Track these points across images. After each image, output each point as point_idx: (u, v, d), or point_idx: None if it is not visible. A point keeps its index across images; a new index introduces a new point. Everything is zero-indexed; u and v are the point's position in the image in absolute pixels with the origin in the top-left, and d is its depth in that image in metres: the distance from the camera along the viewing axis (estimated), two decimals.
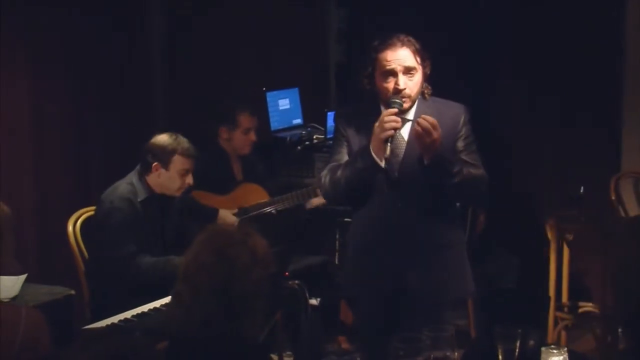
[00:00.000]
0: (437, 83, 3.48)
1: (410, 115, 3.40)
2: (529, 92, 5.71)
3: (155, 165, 4.10)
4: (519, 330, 2.64)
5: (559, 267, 4.84)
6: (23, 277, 3.77)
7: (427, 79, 3.44)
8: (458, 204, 3.83)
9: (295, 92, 5.69)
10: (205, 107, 5.33)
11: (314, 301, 4.52)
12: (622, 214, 5.24)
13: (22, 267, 3.85)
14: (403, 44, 3.35)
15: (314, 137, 5.34)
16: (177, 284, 2.39)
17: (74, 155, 5.10)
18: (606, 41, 5.41)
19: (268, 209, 4.68)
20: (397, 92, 3.34)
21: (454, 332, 2.66)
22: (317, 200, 4.78)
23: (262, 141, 5.10)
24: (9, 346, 2.48)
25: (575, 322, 4.97)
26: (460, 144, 3.43)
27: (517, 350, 2.63)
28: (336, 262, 4.92)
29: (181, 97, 5.67)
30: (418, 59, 3.37)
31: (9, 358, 2.48)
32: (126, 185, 4.12)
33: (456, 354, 2.63)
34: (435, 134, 3.22)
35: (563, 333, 4.95)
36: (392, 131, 3.26)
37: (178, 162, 4.11)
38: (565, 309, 5.01)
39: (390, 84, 3.35)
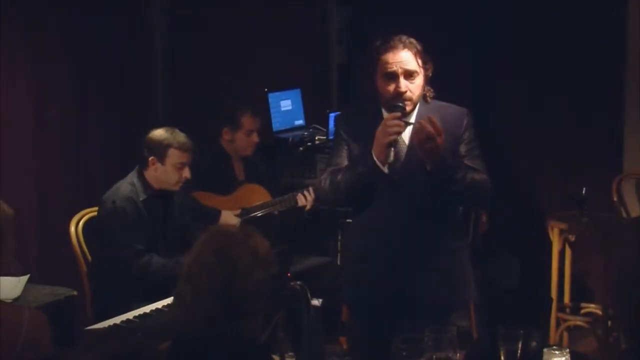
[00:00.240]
0: (437, 83, 3.45)
1: (412, 118, 3.35)
2: (529, 92, 5.71)
3: (151, 160, 4.12)
4: (521, 331, 2.64)
5: (560, 268, 4.84)
6: (25, 278, 3.77)
7: (428, 81, 3.39)
8: (460, 208, 3.79)
9: (297, 93, 5.69)
10: (206, 107, 5.34)
11: (315, 302, 4.51)
12: (624, 215, 5.24)
13: (24, 267, 3.85)
14: (405, 46, 3.30)
15: (316, 138, 5.34)
16: (179, 284, 2.39)
17: (75, 156, 5.10)
18: (608, 41, 5.41)
19: (270, 210, 4.68)
20: (398, 95, 3.29)
21: (456, 332, 2.65)
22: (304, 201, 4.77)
23: (264, 142, 5.10)
24: (11, 347, 2.48)
25: (578, 323, 4.98)
26: (462, 149, 3.37)
27: (519, 351, 2.63)
28: (338, 262, 4.91)
29: (182, 98, 5.67)
30: (419, 62, 3.32)
31: (11, 358, 2.48)
32: (127, 185, 4.14)
33: (458, 355, 2.63)
34: (439, 140, 3.17)
35: (565, 334, 4.95)
36: (395, 136, 3.23)
37: (173, 156, 4.12)
38: (568, 310, 5.01)
39: (391, 87, 3.30)
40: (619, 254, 2.04)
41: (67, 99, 5.04)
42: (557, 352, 2.66)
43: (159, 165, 4.12)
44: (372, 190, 3.34)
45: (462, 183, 3.28)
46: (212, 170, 4.84)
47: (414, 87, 3.31)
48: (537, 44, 5.61)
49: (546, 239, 4.91)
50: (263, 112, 5.23)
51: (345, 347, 4.91)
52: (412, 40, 3.34)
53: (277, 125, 5.46)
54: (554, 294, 4.83)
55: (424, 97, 3.39)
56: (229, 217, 4.66)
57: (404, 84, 3.29)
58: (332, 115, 5.18)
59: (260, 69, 5.76)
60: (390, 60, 3.29)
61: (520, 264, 5.45)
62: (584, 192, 4.74)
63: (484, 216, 5.08)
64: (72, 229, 4.28)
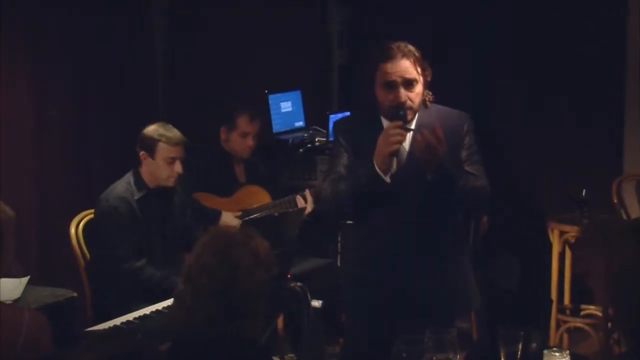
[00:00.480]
0: (437, 84, 3.42)
1: (412, 124, 3.32)
2: (529, 92, 5.71)
3: (142, 155, 4.15)
4: (521, 333, 2.64)
5: (561, 269, 4.84)
6: (25, 279, 3.77)
7: (427, 86, 3.35)
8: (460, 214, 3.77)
9: (297, 94, 5.68)
10: (206, 107, 5.33)
11: (315, 303, 4.51)
12: (624, 216, 5.23)
13: (24, 268, 3.85)
14: (403, 55, 3.25)
15: (316, 139, 5.34)
16: (179, 285, 2.39)
17: (75, 156, 5.09)
18: (608, 41, 5.41)
19: (270, 211, 4.67)
20: (398, 104, 3.26)
21: (456, 334, 2.66)
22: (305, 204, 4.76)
23: (264, 143, 5.09)
24: (11, 347, 2.48)
25: (578, 324, 4.97)
26: (463, 154, 3.35)
27: (519, 352, 2.63)
28: (338, 264, 4.91)
29: (182, 98, 5.66)
30: (419, 69, 3.27)
31: (11, 359, 2.48)
32: (124, 184, 4.16)
33: (458, 356, 2.63)
34: (440, 150, 3.14)
35: (565, 335, 4.95)
36: (398, 145, 3.19)
37: (163, 150, 4.13)
38: (568, 312, 5.01)
39: (391, 96, 3.26)
40: (619, 256, 2.04)
41: (67, 99, 5.03)
42: (557, 354, 2.66)
43: (149, 160, 4.15)
44: (373, 198, 3.30)
45: (462, 191, 3.26)
46: (212, 170, 4.83)
47: (413, 96, 3.28)
48: (537, 44, 5.61)
49: (546, 239, 4.91)
50: (263, 113, 5.22)
51: None
52: (411, 47, 3.29)
53: (277, 126, 5.46)
54: (554, 295, 4.83)
55: (423, 102, 3.35)
56: (230, 219, 4.66)
57: (403, 93, 3.26)
58: (332, 117, 5.18)
59: (261, 70, 5.75)
60: (389, 70, 3.25)
61: (520, 264, 5.45)
62: (584, 193, 4.74)
63: (484, 217, 5.08)
64: (72, 230, 4.28)
